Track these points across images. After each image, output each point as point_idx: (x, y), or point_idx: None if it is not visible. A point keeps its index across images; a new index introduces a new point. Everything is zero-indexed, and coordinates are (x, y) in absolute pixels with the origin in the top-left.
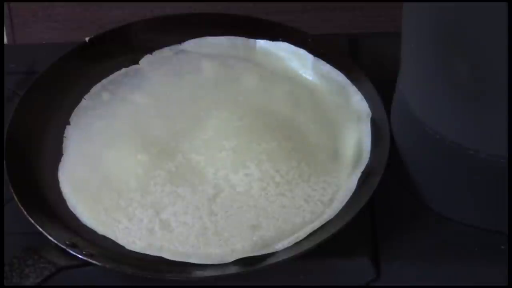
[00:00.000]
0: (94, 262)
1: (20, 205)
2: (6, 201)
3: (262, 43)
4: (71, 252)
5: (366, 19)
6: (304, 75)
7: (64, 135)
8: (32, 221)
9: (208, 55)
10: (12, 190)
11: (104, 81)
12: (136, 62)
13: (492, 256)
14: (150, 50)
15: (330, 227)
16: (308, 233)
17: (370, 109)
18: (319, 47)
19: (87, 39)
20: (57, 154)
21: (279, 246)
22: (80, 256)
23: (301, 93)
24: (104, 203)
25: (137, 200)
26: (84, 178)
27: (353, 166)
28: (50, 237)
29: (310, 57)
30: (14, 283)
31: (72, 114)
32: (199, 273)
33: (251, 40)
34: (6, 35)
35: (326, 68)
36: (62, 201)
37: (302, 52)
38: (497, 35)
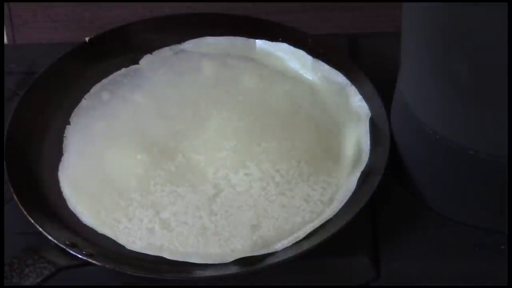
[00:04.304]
0: (94, 262)
1: (20, 205)
2: (6, 201)
3: (261, 43)
4: (71, 252)
5: (365, 19)
6: (304, 75)
7: (64, 135)
8: (32, 221)
9: (208, 55)
10: (12, 190)
11: (104, 81)
12: (136, 62)
13: (492, 256)
14: (150, 50)
15: (330, 227)
16: (307, 233)
17: (370, 109)
18: (318, 47)
19: (87, 39)
20: (57, 154)
21: (279, 246)
22: (80, 256)
23: (301, 93)
24: (104, 203)
25: (137, 200)
26: (84, 178)
27: (352, 166)
28: (50, 237)
29: (309, 58)
30: (14, 283)
31: (72, 114)
32: (199, 273)
33: (251, 40)
34: (6, 35)
35: (326, 68)
36: (62, 201)
37: (301, 53)
38: (497, 35)
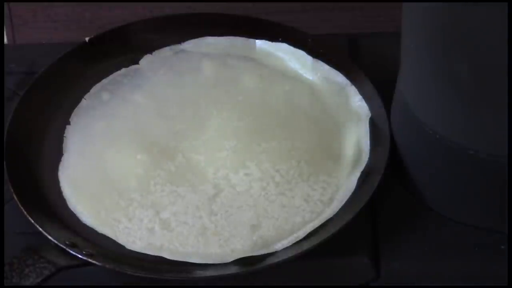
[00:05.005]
0: (94, 262)
1: (20, 205)
2: (6, 201)
3: (261, 43)
4: (71, 252)
5: (365, 19)
6: (304, 75)
7: (64, 135)
8: (32, 221)
9: (208, 55)
10: (12, 190)
11: (104, 81)
12: (136, 62)
13: (492, 256)
14: (150, 50)
15: (330, 227)
16: (307, 233)
17: (370, 109)
18: (318, 47)
19: (87, 39)
20: (57, 154)
21: (279, 246)
22: (80, 256)
23: (301, 93)
24: (104, 203)
25: (137, 200)
26: (84, 178)
27: (352, 166)
28: (50, 237)
29: (309, 58)
30: (14, 283)
31: (72, 114)
32: (199, 273)
33: (251, 40)
34: (6, 35)
35: (326, 68)
36: (62, 201)
37: (301, 53)
38: (497, 35)
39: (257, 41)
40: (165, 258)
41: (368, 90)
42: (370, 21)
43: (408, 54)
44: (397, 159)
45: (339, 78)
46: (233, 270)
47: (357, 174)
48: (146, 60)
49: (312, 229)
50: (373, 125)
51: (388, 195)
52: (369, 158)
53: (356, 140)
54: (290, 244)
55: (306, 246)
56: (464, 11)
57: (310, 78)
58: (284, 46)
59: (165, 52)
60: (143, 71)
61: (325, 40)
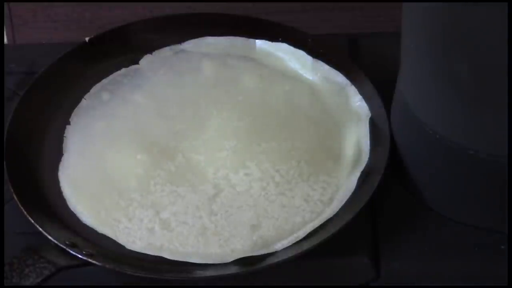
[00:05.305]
0: (94, 262)
1: (20, 205)
2: (6, 201)
3: (261, 43)
4: (71, 252)
5: (365, 19)
6: (304, 75)
7: (64, 135)
8: (32, 221)
9: (208, 55)
10: (12, 190)
11: (104, 81)
12: (136, 62)
13: (492, 256)
14: (150, 50)
15: (330, 227)
16: (307, 233)
17: (370, 109)
18: (318, 47)
19: (87, 39)
20: (57, 154)
21: (279, 246)
22: (80, 256)
23: (301, 93)
24: (104, 203)
25: (137, 200)
26: (84, 178)
27: (352, 166)
28: (50, 237)
29: (309, 58)
30: (14, 283)
31: (72, 114)
32: (199, 273)
33: (251, 40)
34: (6, 35)
35: (326, 68)
36: (62, 201)
37: (301, 53)
38: (497, 35)
39: (257, 41)
40: (165, 258)
41: (368, 90)
42: (370, 21)
43: (408, 54)
44: (397, 159)
45: (339, 78)
46: (233, 270)
47: (357, 174)
48: (146, 60)
49: (312, 229)
50: (373, 125)
51: (388, 195)
52: (369, 158)
53: (356, 140)
54: (290, 244)
55: (306, 246)
56: (464, 11)
57: (310, 78)
58: (284, 46)
59: (165, 52)
60: (143, 71)
61: (325, 40)
